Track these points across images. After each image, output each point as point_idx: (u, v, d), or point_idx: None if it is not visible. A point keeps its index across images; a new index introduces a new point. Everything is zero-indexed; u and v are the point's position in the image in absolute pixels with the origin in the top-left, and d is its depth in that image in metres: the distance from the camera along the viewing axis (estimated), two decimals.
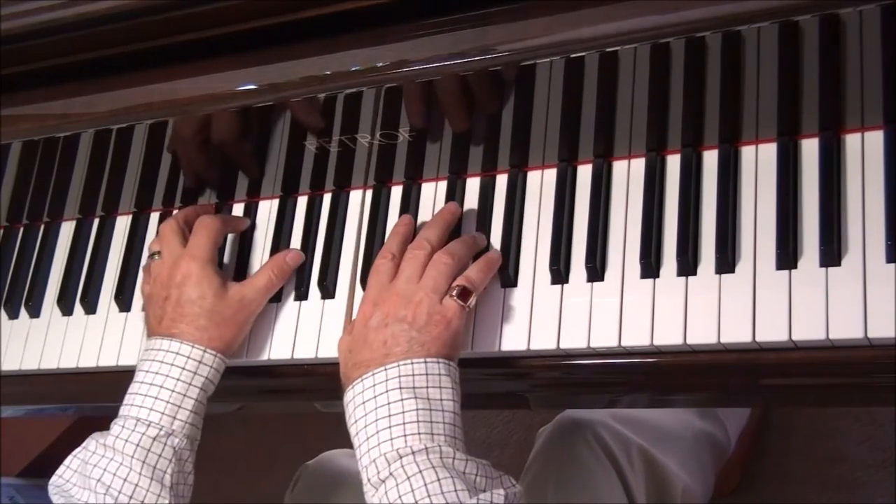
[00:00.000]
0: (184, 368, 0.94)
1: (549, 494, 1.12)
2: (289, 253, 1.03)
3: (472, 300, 0.90)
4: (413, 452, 0.82)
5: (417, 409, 0.83)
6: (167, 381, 0.94)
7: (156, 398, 0.93)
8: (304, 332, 1.02)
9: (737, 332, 0.84)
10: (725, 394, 0.97)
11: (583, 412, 1.19)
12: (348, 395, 0.88)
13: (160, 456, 0.92)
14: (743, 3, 0.79)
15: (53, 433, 1.98)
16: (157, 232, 1.05)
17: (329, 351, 1.00)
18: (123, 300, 1.12)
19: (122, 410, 0.94)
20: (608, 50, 0.86)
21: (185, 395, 0.94)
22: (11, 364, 1.15)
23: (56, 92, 1.05)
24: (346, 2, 0.91)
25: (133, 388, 0.95)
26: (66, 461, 0.94)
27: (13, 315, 1.19)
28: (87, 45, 1.01)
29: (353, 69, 0.92)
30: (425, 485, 0.79)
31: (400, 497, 0.79)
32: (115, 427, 0.93)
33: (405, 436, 0.82)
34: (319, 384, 1.04)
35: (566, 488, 1.12)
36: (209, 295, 0.97)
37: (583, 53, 0.86)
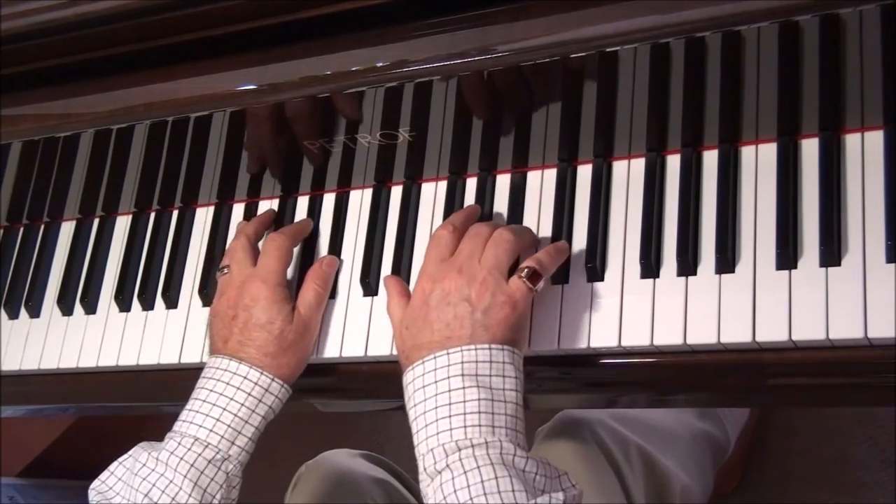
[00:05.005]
0: (249, 394, 0.92)
1: None
2: (323, 260, 1.01)
3: (541, 284, 0.87)
4: (472, 446, 0.79)
5: (479, 400, 0.80)
6: (231, 405, 0.91)
7: (217, 420, 0.90)
8: None
9: (737, 332, 0.84)
10: (725, 394, 0.97)
11: (582, 412, 1.19)
12: (408, 377, 0.85)
13: (212, 480, 0.89)
14: (743, 3, 0.79)
15: (53, 433, 1.98)
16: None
17: (329, 352, 1.00)
18: (123, 300, 1.12)
19: (180, 426, 0.92)
20: (608, 50, 0.86)
21: (246, 422, 0.91)
22: (11, 364, 1.15)
23: (56, 92, 1.05)
24: (346, 2, 0.91)
25: (194, 405, 0.92)
26: (112, 467, 0.92)
27: (13, 315, 1.19)
28: (86, 45, 1.01)
29: (353, 69, 0.92)
30: (482, 482, 0.76)
31: (455, 491, 0.77)
32: (171, 442, 0.91)
33: (465, 427, 0.80)
34: (321, 384, 1.04)
35: None
36: (278, 321, 0.94)
37: (583, 53, 0.86)
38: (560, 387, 0.98)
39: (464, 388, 0.81)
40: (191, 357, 1.06)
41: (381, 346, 0.97)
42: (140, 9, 0.96)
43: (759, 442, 1.60)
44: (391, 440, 1.86)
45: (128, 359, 1.09)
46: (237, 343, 0.94)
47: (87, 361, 1.11)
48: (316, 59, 0.94)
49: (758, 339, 0.83)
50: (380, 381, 0.99)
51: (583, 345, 0.89)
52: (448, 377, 0.82)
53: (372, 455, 1.26)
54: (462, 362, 0.82)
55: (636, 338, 0.88)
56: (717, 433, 1.37)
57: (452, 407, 0.81)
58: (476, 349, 0.83)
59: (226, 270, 1.00)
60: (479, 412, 0.80)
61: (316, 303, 0.98)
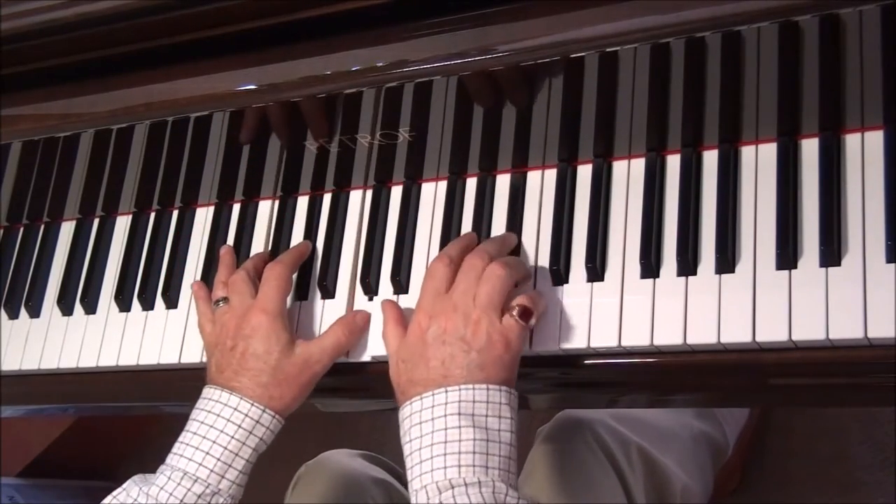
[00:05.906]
0: (239, 426, 0.91)
1: (548, 494, 1.12)
2: (358, 313, 1.00)
3: (534, 320, 0.88)
4: (466, 484, 0.80)
5: (475, 440, 0.82)
6: (220, 437, 0.91)
7: (207, 453, 0.90)
8: (304, 331, 1.01)
9: (737, 332, 0.84)
10: (725, 394, 0.97)
11: (582, 412, 1.19)
12: (405, 411, 0.86)
13: None
14: (743, 3, 0.79)
15: (53, 433, 1.98)
16: (222, 283, 1.02)
17: None
18: (123, 300, 1.12)
19: (171, 459, 0.92)
20: (608, 50, 0.86)
21: (236, 455, 0.91)
22: (11, 364, 1.15)
23: (56, 92, 1.05)
24: (346, 2, 0.91)
25: (185, 437, 0.92)
26: (105, 501, 0.91)
27: (13, 315, 1.19)
28: (86, 45, 1.02)
29: (353, 69, 0.92)
30: None
31: None
32: (161, 477, 0.91)
33: (459, 466, 0.81)
34: (320, 384, 1.04)
35: (565, 488, 1.12)
36: (275, 351, 0.94)
37: (583, 53, 0.86)
38: (560, 387, 0.98)
39: (459, 427, 0.82)
40: (191, 357, 1.06)
41: (381, 346, 0.97)
42: (140, 9, 0.96)
43: (758, 442, 1.60)
44: (391, 440, 1.84)
45: (128, 359, 1.09)
46: (232, 372, 0.94)
47: (87, 361, 1.11)
48: (316, 59, 0.94)
49: (758, 339, 0.83)
50: (380, 381, 0.99)
51: (583, 345, 0.89)
52: (445, 415, 0.83)
53: (372, 455, 1.26)
54: (459, 401, 0.83)
55: (636, 338, 0.88)
56: (716, 434, 1.37)
57: (448, 445, 0.82)
58: (474, 389, 0.84)
59: (221, 304, 1.00)
60: (474, 452, 0.81)
61: (332, 349, 0.97)
